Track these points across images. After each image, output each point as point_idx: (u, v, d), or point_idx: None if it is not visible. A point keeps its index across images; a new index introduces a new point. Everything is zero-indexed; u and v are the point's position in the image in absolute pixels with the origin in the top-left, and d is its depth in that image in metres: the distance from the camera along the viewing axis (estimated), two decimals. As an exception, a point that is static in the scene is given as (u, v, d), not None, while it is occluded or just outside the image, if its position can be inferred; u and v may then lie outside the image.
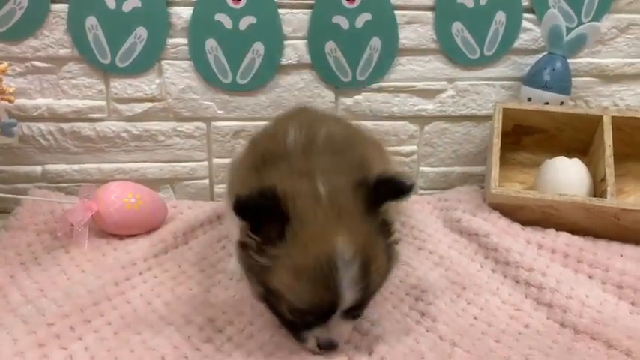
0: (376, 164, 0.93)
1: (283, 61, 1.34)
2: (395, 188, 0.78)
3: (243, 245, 0.80)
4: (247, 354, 0.84)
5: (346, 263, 0.73)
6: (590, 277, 1.06)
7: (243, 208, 0.74)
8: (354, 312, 0.81)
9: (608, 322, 0.92)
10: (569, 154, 1.29)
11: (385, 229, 0.82)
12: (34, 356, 0.81)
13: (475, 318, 0.96)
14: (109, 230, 1.17)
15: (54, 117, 1.34)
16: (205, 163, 1.42)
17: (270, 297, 0.80)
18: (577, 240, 1.14)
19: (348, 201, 0.77)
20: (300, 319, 0.79)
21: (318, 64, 1.35)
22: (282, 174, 0.82)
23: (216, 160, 1.42)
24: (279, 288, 0.76)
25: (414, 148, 1.46)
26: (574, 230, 1.18)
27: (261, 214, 0.75)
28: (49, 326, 0.87)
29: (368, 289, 0.77)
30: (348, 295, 0.74)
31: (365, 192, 0.78)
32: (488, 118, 1.42)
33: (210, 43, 1.31)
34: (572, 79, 1.36)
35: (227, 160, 1.41)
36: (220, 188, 1.44)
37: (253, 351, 0.85)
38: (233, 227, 0.89)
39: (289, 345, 0.86)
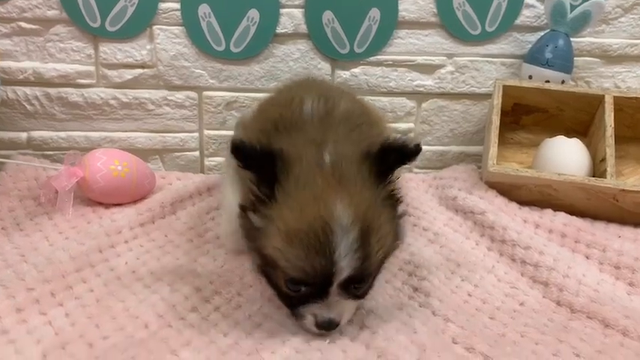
0: None
1: (279, 30, 1.30)
2: (401, 152, 0.75)
3: (243, 209, 0.78)
4: (234, 324, 0.81)
5: (344, 228, 0.69)
6: (587, 258, 1.03)
7: (239, 148, 0.71)
8: (355, 287, 0.76)
9: (605, 301, 0.90)
10: (569, 134, 1.26)
11: (392, 202, 0.78)
12: (11, 321, 0.78)
13: (469, 295, 0.93)
14: (94, 198, 1.13)
15: (40, 81, 1.29)
16: (196, 134, 1.38)
17: (267, 268, 0.77)
18: (575, 220, 1.12)
19: (352, 168, 0.74)
20: (297, 291, 0.75)
21: (315, 35, 1.31)
22: (293, 141, 0.78)
23: (207, 132, 1.38)
24: (272, 254, 0.73)
25: (411, 125, 1.43)
26: (572, 211, 1.16)
27: (255, 163, 0.72)
28: (29, 291, 0.83)
29: (367, 260, 0.72)
30: (345, 264, 0.70)
31: (371, 160, 0.75)
32: (487, 96, 1.39)
33: (204, 9, 1.26)
34: (574, 59, 1.33)
35: (219, 132, 1.38)
36: (211, 161, 1.40)
37: (241, 321, 0.82)
38: (229, 191, 0.87)
39: (278, 317, 0.83)
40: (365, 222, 0.71)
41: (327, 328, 0.76)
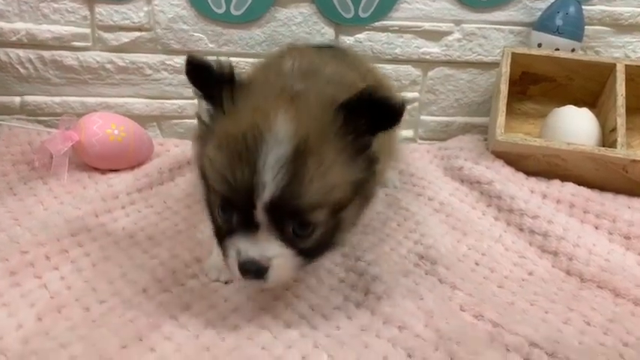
0: None
1: (281, -8, 1.26)
2: (380, 106, 0.64)
3: (199, 138, 0.72)
4: (236, 290, 0.79)
5: (276, 140, 0.61)
6: (596, 228, 1.01)
7: (191, 64, 0.66)
8: (294, 232, 0.65)
9: (615, 270, 0.88)
10: (577, 105, 1.23)
11: (362, 156, 0.67)
12: (4, 284, 0.75)
13: (477, 264, 0.91)
14: (90, 163, 1.10)
15: (34, 43, 1.25)
16: (195, 101, 1.34)
17: (208, 196, 0.70)
18: (583, 191, 1.10)
19: (317, 104, 0.66)
20: (227, 221, 0.66)
21: (319, -3, 1.26)
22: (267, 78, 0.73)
23: (206, 99, 1.34)
24: (206, 168, 0.67)
25: (416, 95, 1.39)
26: (580, 182, 1.13)
27: (206, 77, 0.66)
28: (23, 254, 0.81)
29: (298, 184, 0.61)
30: (269, 178, 0.60)
31: (345, 105, 0.65)
32: (494, 65, 1.36)
33: (204, -30, 1.22)
34: (585, 27, 1.29)
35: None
36: (210, 129, 1.36)
37: (242, 287, 0.80)
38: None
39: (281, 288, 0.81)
40: (305, 143, 0.62)
41: (249, 271, 0.65)
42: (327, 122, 0.65)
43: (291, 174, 0.61)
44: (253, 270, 0.65)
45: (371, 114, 0.65)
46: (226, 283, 0.81)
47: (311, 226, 0.65)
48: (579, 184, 1.12)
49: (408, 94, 1.38)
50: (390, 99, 0.64)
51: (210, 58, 0.67)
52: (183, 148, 1.23)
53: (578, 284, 0.87)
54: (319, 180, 0.63)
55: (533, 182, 1.14)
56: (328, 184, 0.64)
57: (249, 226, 0.64)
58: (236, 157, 0.62)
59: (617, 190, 1.13)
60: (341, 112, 0.65)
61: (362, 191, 0.69)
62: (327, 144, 0.64)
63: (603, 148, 1.12)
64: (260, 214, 0.63)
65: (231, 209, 0.65)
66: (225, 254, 0.68)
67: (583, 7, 1.29)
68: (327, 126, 0.64)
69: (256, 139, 0.61)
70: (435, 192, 1.13)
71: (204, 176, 0.69)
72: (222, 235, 0.68)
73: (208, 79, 0.67)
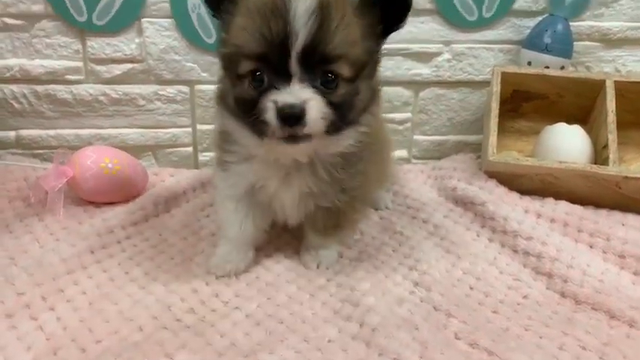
0: None
1: (271, 21, 1.26)
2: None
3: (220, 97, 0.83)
4: (232, 324, 0.79)
5: None
6: (590, 247, 1.01)
7: None
8: (316, 71, 0.73)
9: (610, 291, 0.88)
10: (569, 121, 1.24)
11: (373, 32, 0.78)
12: (1, 327, 0.75)
13: (471, 288, 0.91)
14: (85, 197, 1.10)
15: (27, 78, 1.26)
16: (189, 129, 1.35)
17: (235, 82, 0.77)
18: (577, 209, 1.10)
19: None
20: (259, 87, 0.73)
21: (308, 24, 1.27)
22: None
23: (200, 127, 1.35)
24: (235, 40, 0.74)
25: (408, 115, 1.40)
26: (574, 200, 1.13)
27: None
28: (19, 296, 0.81)
29: (327, 30, 0.70)
30: (301, 25, 0.69)
31: None
32: (485, 84, 1.37)
33: (193, 0, 1.23)
34: (574, 43, 1.30)
35: (212, 127, 1.34)
36: (205, 156, 1.37)
37: (238, 322, 0.80)
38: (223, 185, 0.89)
39: (278, 315, 0.81)
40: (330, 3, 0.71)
41: (288, 117, 0.71)
42: (357, 16, 0.74)
43: (319, 22, 0.70)
44: (292, 114, 0.71)
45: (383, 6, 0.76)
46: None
47: (336, 79, 0.74)
48: (573, 202, 1.13)
49: (400, 115, 1.39)
50: None
51: None
52: (178, 178, 1.24)
53: (572, 307, 0.87)
54: (342, 30, 0.72)
55: (527, 201, 1.14)
56: (350, 36, 0.73)
57: (282, 79, 0.72)
58: (269, 14, 0.70)
59: (611, 207, 1.14)
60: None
61: (370, 73, 0.80)
62: (347, 6, 0.74)
63: (595, 166, 1.12)
64: (293, 64, 0.71)
65: (265, 68, 0.73)
66: (259, 117, 0.73)
67: (571, 23, 1.30)
68: (357, 17, 0.74)
69: None
70: (430, 214, 1.14)
71: (228, 65, 0.78)
72: (254, 103, 0.74)
73: None
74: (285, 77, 0.72)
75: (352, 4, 0.75)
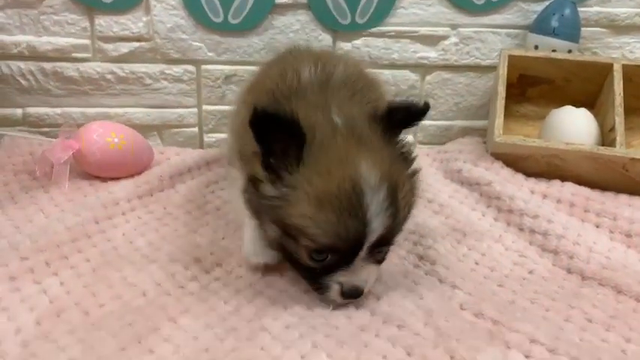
0: None
1: (278, 0, 1.26)
2: (409, 111, 0.75)
3: (253, 180, 0.73)
4: (235, 292, 0.79)
5: (373, 188, 0.68)
6: (597, 226, 1.01)
7: (261, 118, 0.66)
8: (380, 249, 0.74)
9: (617, 268, 0.87)
10: (576, 106, 1.22)
11: (405, 157, 0.77)
12: (3, 289, 0.76)
13: (477, 263, 0.91)
14: (90, 171, 1.10)
15: (35, 55, 1.26)
16: (195, 110, 1.35)
17: (286, 239, 0.72)
18: (583, 190, 1.09)
19: (364, 129, 0.73)
20: (321, 261, 0.71)
21: (315, 5, 1.27)
22: (296, 108, 0.73)
23: (206, 107, 1.34)
24: (299, 222, 0.69)
25: (415, 99, 1.39)
26: (580, 182, 1.12)
27: (279, 131, 0.68)
28: (22, 260, 0.82)
29: (396, 218, 0.71)
30: (377, 224, 0.69)
31: (380, 120, 0.74)
32: (492, 68, 1.36)
33: (201, -21, 1.23)
34: (581, 29, 1.30)
35: (218, 107, 1.35)
36: (211, 137, 1.37)
37: (242, 289, 0.80)
38: (236, 174, 0.83)
39: (280, 284, 0.81)
40: (391, 179, 0.70)
41: (353, 296, 0.74)
42: (389, 150, 0.74)
43: (390, 212, 0.70)
44: (356, 294, 0.74)
45: (403, 119, 0.76)
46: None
47: (395, 239, 0.76)
48: (579, 184, 1.12)
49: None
50: (417, 104, 0.77)
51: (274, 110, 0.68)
52: (183, 157, 1.23)
53: (579, 282, 0.86)
54: (405, 206, 0.74)
55: (533, 183, 1.13)
56: (410, 202, 0.75)
57: (347, 262, 0.72)
58: (343, 213, 0.67)
59: (618, 190, 1.13)
60: (384, 131, 0.74)
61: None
62: (399, 168, 0.74)
63: (602, 147, 1.12)
64: (363, 252, 0.71)
65: (331, 253, 0.71)
66: (319, 286, 0.74)
67: (579, 8, 1.29)
68: (391, 152, 0.74)
69: (357, 193, 0.67)
70: (435, 194, 1.13)
71: (279, 222, 0.72)
72: (314, 272, 0.74)
73: (277, 133, 0.69)
74: (351, 260, 0.72)
75: (388, 144, 0.74)
